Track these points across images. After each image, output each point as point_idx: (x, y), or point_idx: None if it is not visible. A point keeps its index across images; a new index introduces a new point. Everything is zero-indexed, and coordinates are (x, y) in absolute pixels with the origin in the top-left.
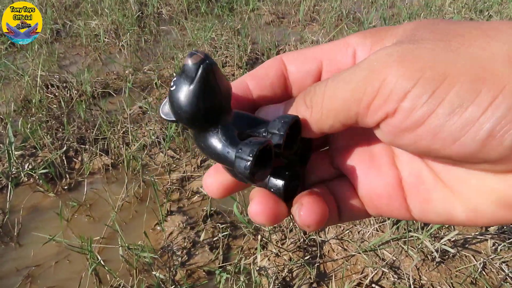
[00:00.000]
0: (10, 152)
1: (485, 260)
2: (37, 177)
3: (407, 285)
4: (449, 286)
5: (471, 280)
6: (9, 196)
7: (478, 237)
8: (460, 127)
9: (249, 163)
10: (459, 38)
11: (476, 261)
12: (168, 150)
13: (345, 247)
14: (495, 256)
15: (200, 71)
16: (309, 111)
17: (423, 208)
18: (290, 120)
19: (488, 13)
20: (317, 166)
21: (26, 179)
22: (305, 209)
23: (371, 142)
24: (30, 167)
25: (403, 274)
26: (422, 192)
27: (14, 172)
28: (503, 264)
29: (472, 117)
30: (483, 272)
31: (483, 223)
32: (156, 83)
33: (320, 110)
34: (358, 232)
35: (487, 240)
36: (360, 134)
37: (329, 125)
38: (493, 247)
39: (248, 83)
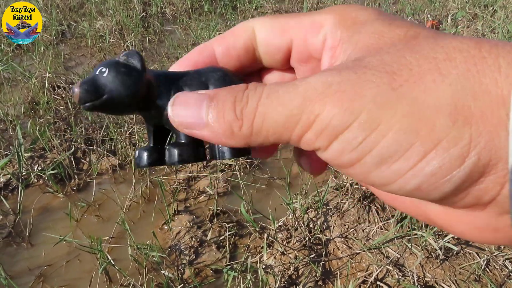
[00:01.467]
0: (20, 153)
1: (488, 257)
2: (46, 178)
3: (412, 282)
4: (453, 283)
5: (475, 277)
6: (20, 197)
7: None
8: (387, 176)
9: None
10: (407, 71)
11: (480, 258)
12: None
13: (350, 245)
14: (499, 253)
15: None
16: (238, 123)
17: None
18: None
19: (493, 8)
20: None
21: (36, 180)
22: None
23: None
24: (39, 168)
25: (408, 271)
26: None
27: (24, 173)
28: (506, 261)
29: (400, 171)
30: (486, 269)
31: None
32: None
33: (250, 127)
34: (363, 231)
35: None
36: None
37: (259, 143)
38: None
39: (215, 50)
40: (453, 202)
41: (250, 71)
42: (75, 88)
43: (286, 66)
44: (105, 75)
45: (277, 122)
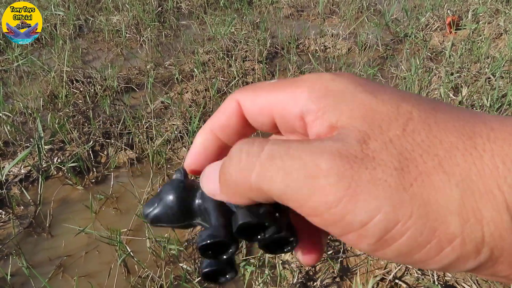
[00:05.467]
0: (40, 146)
1: None
2: (65, 170)
3: (431, 281)
4: (474, 283)
5: None
6: (40, 189)
7: None
8: (409, 263)
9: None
10: (414, 169)
11: None
12: (191, 145)
13: None
14: None
15: None
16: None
17: None
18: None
19: None
20: None
21: (56, 172)
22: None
23: None
24: (59, 160)
25: (427, 270)
26: None
27: (44, 165)
28: None
29: (419, 260)
30: None
31: None
32: (177, 78)
33: (249, 189)
34: None
35: None
36: None
37: (260, 199)
38: None
39: (215, 132)
40: (472, 272)
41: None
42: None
43: (278, 130)
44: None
45: (282, 191)
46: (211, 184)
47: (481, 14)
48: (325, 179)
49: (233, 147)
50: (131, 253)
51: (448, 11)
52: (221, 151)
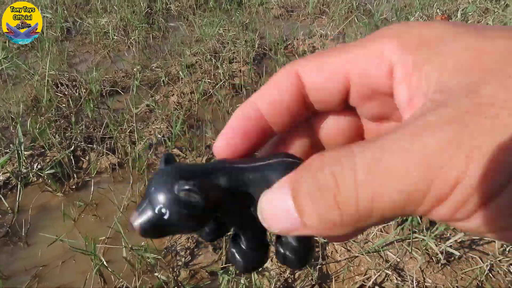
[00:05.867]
0: (20, 152)
1: (492, 262)
2: (45, 177)
3: (411, 287)
4: None
5: (477, 283)
6: (19, 196)
7: (486, 238)
8: None
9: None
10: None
11: (483, 263)
12: (173, 148)
13: (349, 248)
14: (503, 258)
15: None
16: (337, 213)
17: None
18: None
19: (505, 2)
20: None
21: (35, 179)
22: None
23: None
24: (39, 167)
25: (407, 276)
26: None
27: (23, 172)
28: (511, 266)
29: None
30: (490, 274)
31: None
32: (163, 81)
33: (355, 213)
34: (362, 233)
35: (495, 241)
36: None
37: (373, 223)
38: (501, 249)
39: (260, 108)
40: None
41: (299, 120)
42: (134, 224)
43: (343, 106)
44: (166, 217)
45: (394, 200)
46: (285, 226)
47: (470, 13)
48: (440, 157)
49: (306, 173)
50: (105, 263)
51: (438, 11)
52: (263, 137)
